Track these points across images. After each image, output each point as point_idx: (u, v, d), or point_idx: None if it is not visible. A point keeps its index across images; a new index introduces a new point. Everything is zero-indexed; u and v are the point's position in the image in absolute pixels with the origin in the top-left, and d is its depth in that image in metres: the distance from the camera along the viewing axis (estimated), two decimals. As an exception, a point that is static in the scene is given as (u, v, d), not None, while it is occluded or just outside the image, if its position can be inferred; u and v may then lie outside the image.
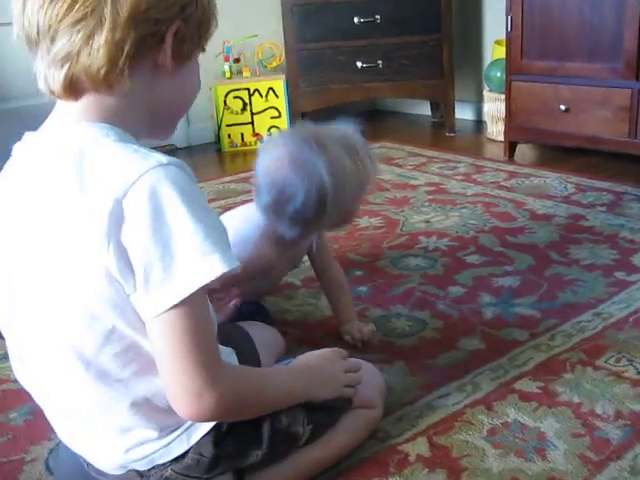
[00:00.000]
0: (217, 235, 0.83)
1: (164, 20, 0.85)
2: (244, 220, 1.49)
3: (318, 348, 1.48)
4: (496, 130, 3.28)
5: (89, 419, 0.94)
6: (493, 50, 3.41)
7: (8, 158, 0.92)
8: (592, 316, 1.58)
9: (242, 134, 3.47)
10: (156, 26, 0.85)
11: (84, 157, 0.82)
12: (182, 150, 3.57)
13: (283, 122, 3.47)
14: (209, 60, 3.48)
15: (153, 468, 0.98)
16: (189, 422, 0.95)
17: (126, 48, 0.83)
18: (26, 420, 1.33)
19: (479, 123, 3.68)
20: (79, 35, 0.82)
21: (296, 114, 3.44)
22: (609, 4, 2.50)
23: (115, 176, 0.80)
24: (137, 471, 0.99)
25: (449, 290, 1.75)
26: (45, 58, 0.84)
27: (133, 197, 0.79)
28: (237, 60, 3.47)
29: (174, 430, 0.96)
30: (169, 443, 0.96)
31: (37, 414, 1.26)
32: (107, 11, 0.81)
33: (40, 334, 0.89)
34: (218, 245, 0.82)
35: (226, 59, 3.44)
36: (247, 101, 3.42)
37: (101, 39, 0.82)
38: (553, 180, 2.59)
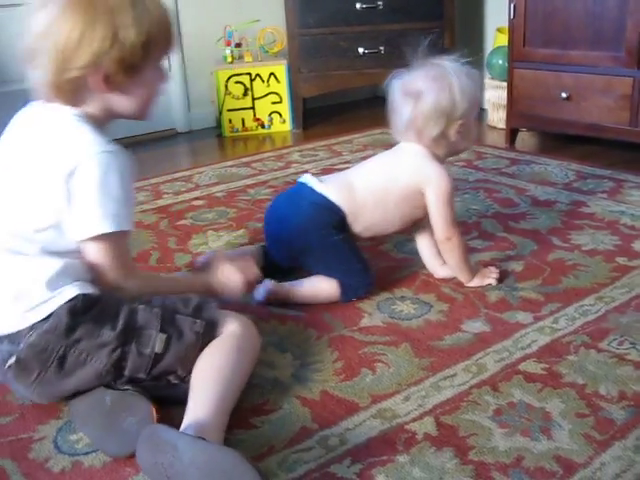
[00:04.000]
0: (120, 208, 1.22)
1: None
2: (411, 160, 1.66)
3: (319, 330, 1.51)
4: (497, 117, 3.30)
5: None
6: (495, 37, 3.41)
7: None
8: (595, 300, 1.60)
9: (243, 119, 3.47)
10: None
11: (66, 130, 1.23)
12: (183, 135, 3.57)
13: (284, 107, 3.47)
14: (210, 45, 3.48)
15: (20, 332, 1.19)
16: (55, 292, 1.20)
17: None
18: (35, 397, 1.34)
19: (480, 110, 3.68)
20: None
21: (297, 99, 3.44)
22: (612, -8, 2.51)
23: (80, 145, 1.21)
24: (12, 337, 1.20)
25: (453, 274, 1.76)
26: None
27: (89, 163, 1.18)
28: (238, 45, 3.47)
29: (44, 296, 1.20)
30: (42, 302, 1.19)
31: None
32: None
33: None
34: (122, 213, 1.22)
35: (227, 44, 3.44)
36: (248, 86, 3.42)
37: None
38: (554, 167, 2.61)
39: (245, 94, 3.43)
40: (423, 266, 1.80)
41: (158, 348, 1.22)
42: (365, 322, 1.55)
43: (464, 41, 3.64)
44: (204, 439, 1.07)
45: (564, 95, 2.72)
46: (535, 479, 1.07)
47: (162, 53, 1.27)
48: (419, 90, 1.60)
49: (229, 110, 3.44)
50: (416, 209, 1.66)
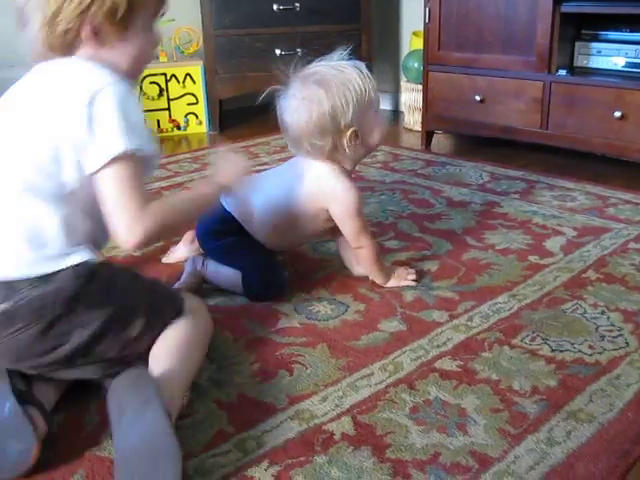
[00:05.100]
0: (142, 129, 1.20)
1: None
2: (317, 175, 1.62)
3: (236, 332, 1.49)
4: (413, 120, 3.34)
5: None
6: (411, 41, 3.46)
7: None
8: (508, 298, 1.62)
9: (158, 120, 3.41)
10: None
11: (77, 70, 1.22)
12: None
13: (200, 109, 3.43)
14: (125, 44, 3.40)
15: (17, 282, 1.13)
16: (67, 250, 1.17)
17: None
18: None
19: (396, 113, 3.73)
20: None
21: (213, 101, 3.40)
22: (522, -2, 2.58)
23: (97, 76, 1.19)
24: (9, 283, 1.13)
25: (370, 274, 1.77)
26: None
27: (107, 90, 1.17)
28: (153, 44, 3.40)
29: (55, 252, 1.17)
30: (51, 257, 1.15)
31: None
32: None
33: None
34: (144, 134, 1.20)
35: (142, 43, 3.36)
36: (164, 87, 3.36)
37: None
38: (469, 169, 2.66)
39: (160, 95, 3.37)
40: (340, 267, 1.80)
41: (135, 332, 1.23)
42: (282, 324, 1.54)
43: (380, 44, 3.68)
44: (166, 418, 1.06)
45: (478, 98, 2.78)
46: (452, 474, 1.07)
47: (152, 12, 1.28)
48: (295, 111, 1.55)
49: (144, 111, 3.34)
50: (329, 221, 1.66)
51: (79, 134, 1.16)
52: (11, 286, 1.14)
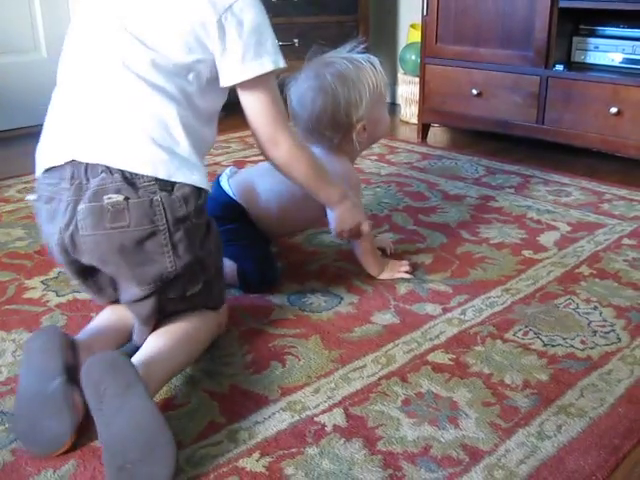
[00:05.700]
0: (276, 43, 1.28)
1: None
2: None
3: (229, 323, 1.49)
4: (409, 112, 3.33)
5: (132, 113, 1.15)
6: (408, 33, 3.45)
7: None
8: (501, 292, 1.63)
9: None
10: None
11: None
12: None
13: (197, 99, 3.41)
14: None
15: (140, 177, 1.11)
16: (189, 165, 1.16)
17: None
18: None
19: (393, 105, 3.72)
20: None
21: (211, 91, 3.38)
22: (521, -8, 2.58)
23: None
24: (130, 178, 1.11)
25: (364, 266, 1.77)
26: None
27: (242, 4, 1.21)
28: (150, 33, 3.39)
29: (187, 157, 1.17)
30: (177, 166, 1.14)
31: None
32: None
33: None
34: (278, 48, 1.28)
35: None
36: (160, 76, 3.34)
37: None
38: (464, 162, 2.66)
39: (157, 84, 3.35)
40: (334, 259, 1.80)
41: (190, 292, 1.24)
42: (275, 315, 1.54)
43: (378, 36, 3.67)
44: (153, 403, 1.05)
45: (475, 92, 2.78)
46: (442, 467, 1.08)
47: None
48: (309, 103, 1.59)
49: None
50: None
51: (214, 43, 1.19)
52: (130, 179, 1.12)
